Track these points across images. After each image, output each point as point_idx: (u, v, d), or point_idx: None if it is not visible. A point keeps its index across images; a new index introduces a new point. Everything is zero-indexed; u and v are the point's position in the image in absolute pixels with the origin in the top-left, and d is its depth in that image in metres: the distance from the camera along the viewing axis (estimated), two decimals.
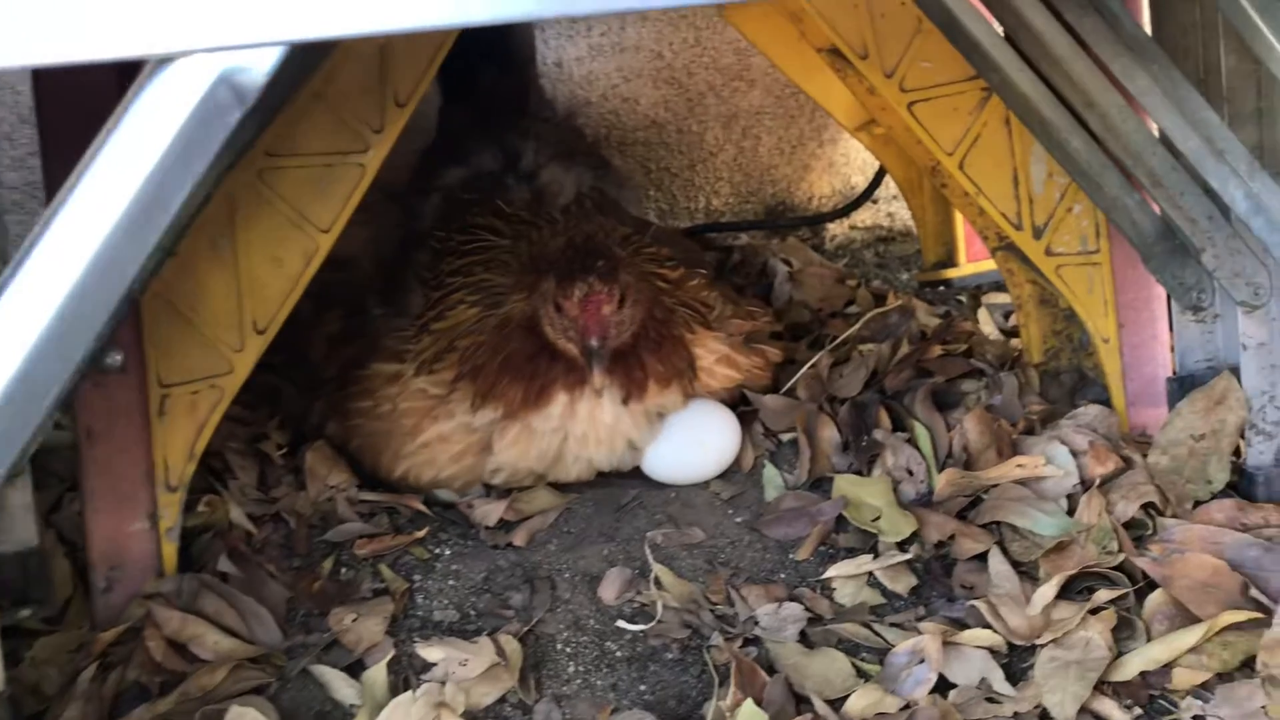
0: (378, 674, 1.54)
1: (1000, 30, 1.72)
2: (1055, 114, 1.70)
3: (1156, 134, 1.70)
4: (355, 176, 1.68)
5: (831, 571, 1.73)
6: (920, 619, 1.64)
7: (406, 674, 1.58)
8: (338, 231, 1.70)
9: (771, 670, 1.55)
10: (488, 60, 2.52)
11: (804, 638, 1.64)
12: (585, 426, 1.87)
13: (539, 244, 1.89)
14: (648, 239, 2.04)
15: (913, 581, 1.72)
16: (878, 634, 1.63)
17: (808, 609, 1.67)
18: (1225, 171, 1.60)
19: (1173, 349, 1.93)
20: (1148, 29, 1.83)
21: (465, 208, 2.16)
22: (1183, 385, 1.88)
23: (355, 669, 1.58)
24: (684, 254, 2.13)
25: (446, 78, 2.61)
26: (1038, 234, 1.90)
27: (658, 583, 1.73)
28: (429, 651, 1.60)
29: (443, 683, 1.54)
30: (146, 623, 1.59)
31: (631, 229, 2.04)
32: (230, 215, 1.65)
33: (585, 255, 1.76)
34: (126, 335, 1.61)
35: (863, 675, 1.56)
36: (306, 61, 1.41)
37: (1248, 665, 1.51)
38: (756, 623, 1.66)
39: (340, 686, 1.56)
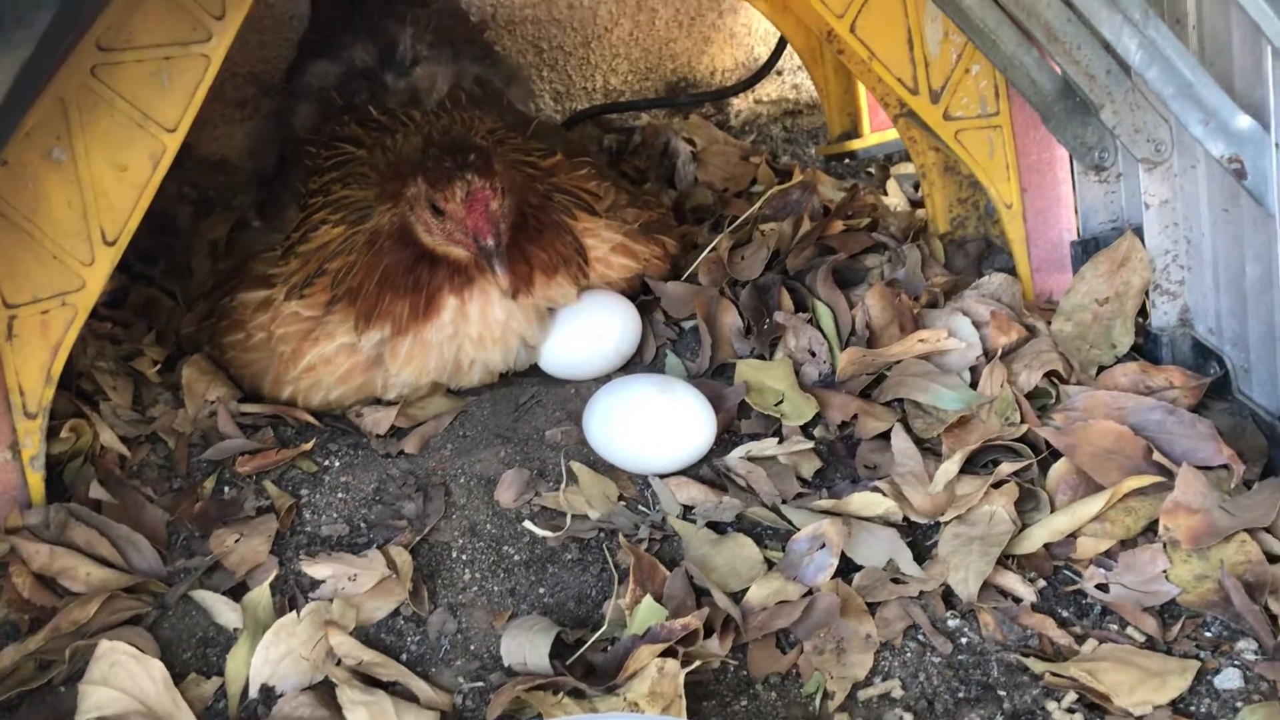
0: (260, 595, 1.48)
1: None
2: None
3: None
4: (199, 69, 1.55)
5: (734, 458, 1.68)
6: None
7: (293, 593, 1.52)
8: (185, 130, 1.57)
9: (675, 562, 1.51)
10: None
11: (713, 525, 1.60)
12: (479, 327, 1.78)
13: (396, 149, 1.77)
14: (528, 134, 1.93)
15: (817, 464, 1.68)
16: (784, 517, 1.59)
17: (714, 496, 1.62)
18: (1119, 21, 1.53)
19: (1076, 211, 1.87)
20: None
21: (338, 114, 2.03)
22: (1086, 248, 1.83)
23: (240, 592, 1.51)
24: (566, 147, 2.02)
25: None
26: (935, 98, 1.82)
27: (573, 479, 1.68)
28: (315, 568, 1.53)
29: (330, 600, 1.48)
30: (12, 559, 1.51)
31: (501, 123, 1.93)
32: (64, 117, 1.51)
33: (453, 152, 1.65)
34: None
35: (770, 563, 1.52)
36: None
37: (1150, 530, 1.50)
38: (664, 515, 1.61)
39: (223, 611, 1.49)
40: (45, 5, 1.03)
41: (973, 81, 1.82)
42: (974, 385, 1.70)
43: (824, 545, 1.49)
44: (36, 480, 1.61)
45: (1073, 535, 1.51)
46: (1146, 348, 1.77)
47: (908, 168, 2.52)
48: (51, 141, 1.52)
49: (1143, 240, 1.74)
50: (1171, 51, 1.52)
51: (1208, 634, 1.39)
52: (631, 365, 1.94)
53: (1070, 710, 1.30)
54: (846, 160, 2.66)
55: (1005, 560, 1.48)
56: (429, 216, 1.68)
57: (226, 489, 1.71)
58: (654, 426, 1.67)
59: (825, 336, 1.83)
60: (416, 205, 1.68)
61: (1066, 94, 1.69)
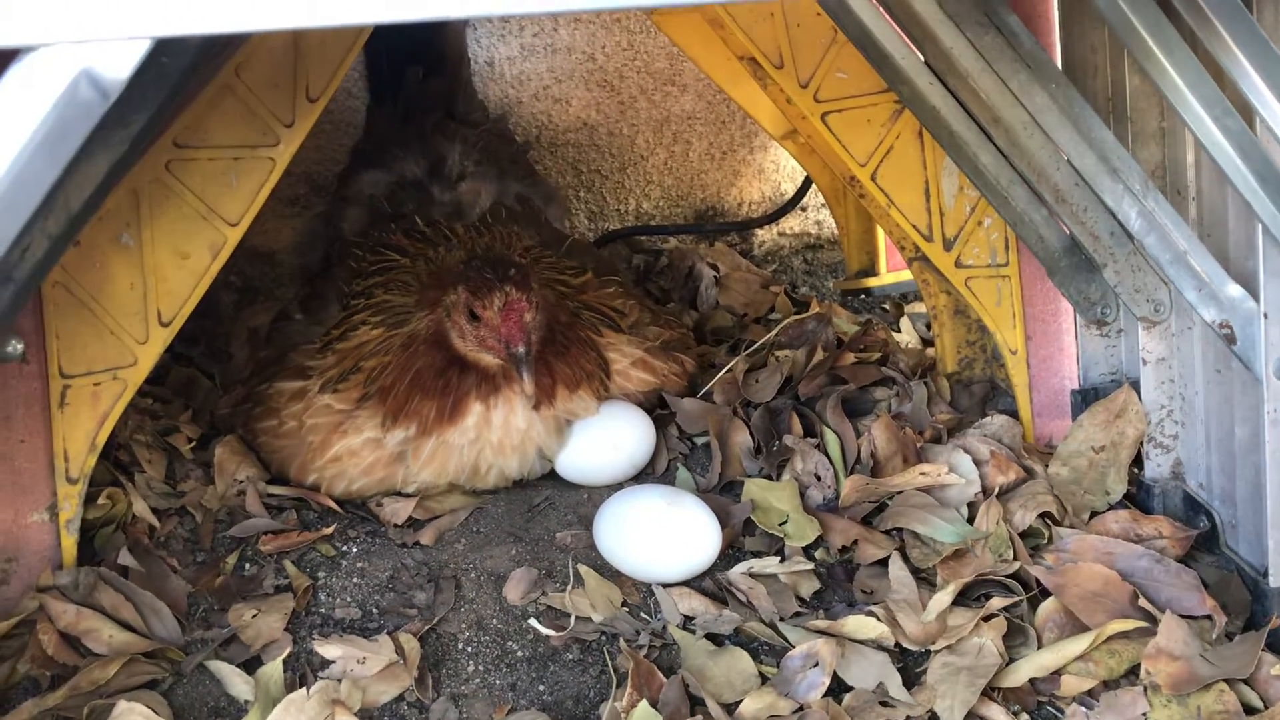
0: (273, 670, 1.54)
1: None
2: (964, 128, 1.72)
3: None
4: (265, 170, 1.67)
5: (736, 573, 1.75)
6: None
7: (304, 671, 1.58)
8: (246, 225, 1.69)
9: (673, 670, 1.56)
10: (416, 60, 2.52)
11: (711, 637, 1.66)
12: (500, 434, 1.87)
13: (437, 261, 1.89)
14: (561, 251, 2.05)
15: (816, 586, 1.74)
16: (781, 634, 1.64)
17: (715, 609, 1.68)
18: (1120, 190, 1.64)
19: (1078, 361, 1.96)
20: (1058, 48, 1.87)
21: (386, 221, 2.16)
22: (1086, 397, 1.91)
23: (253, 665, 1.58)
24: (597, 265, 2.14)
25: (375, 76, 2.61)
26: (948, 246, 1.93)
27: (579, 582, 1.74)
28: (327, 649, 1.59)
29: (339, 680, 1.54)
30: (40, 616, 1.58)
31: (537, 240, 2.05)
32: (135, 206, 1.63)
33: (494, 265, 1.77)
34: (27, 325, 1.60)
35: (764, 678, 1.57)
36: (211, 53, 1.40)
37: (1133, 673, 1.55)
38: (665, 623, 1.67)
39: (236, 682, 1.55)
40: (144, 108, 1.15)
41: (984, 233, 1.93)
42: (971, 520, 1.77)
43: (817, 664, 1.54)
44: (70, 543, 1.68)
45: (1057, 672, 1.56)
46: (1139, 497, 1.84)
47: (921, 307, 2.62)
48: (122, 227, 1.64)
49: (1139, 394, 1.82)
50: (1168, 221, 1.62)
51: None
52: (644, 475, 2.01)
53: None
54: (863, 296, 2.77)
55: (991, 692, 1.53)
56: (465, 323, 1.79)
57: (248, 566, 1.78)
58: (661, 537, 1.74)
59: (831, 462, 1.91)
60: (455, 311, 1.78)
61: (1072, 251, 1.79)
